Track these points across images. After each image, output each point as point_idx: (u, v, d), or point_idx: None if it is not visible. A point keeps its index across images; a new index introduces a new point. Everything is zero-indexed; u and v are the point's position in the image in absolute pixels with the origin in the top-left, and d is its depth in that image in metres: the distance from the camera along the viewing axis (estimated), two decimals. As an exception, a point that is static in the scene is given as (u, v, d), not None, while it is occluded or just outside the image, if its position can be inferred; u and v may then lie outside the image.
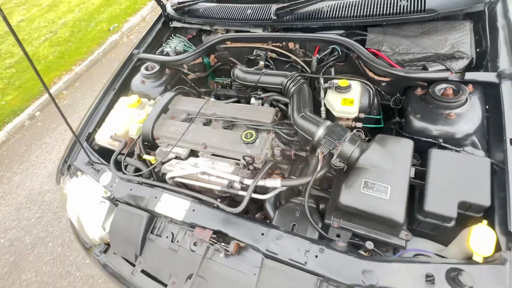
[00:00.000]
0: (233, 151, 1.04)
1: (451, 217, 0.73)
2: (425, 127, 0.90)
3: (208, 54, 1.42)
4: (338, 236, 0.83)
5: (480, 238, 0.67)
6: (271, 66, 1.32)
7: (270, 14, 1.27)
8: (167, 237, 0.98)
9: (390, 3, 1.08)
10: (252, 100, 1.23)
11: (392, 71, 0.97)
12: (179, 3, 1.51)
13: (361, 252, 0.82)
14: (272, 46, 1.27)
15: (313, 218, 0.88)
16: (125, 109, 1.32)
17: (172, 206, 0.99)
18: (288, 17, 1.22)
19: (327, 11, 1.17)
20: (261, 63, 1.24)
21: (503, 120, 0.80)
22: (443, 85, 0.91)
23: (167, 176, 1.09)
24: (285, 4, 1.19)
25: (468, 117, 0.86)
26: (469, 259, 0.69)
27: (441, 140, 0.86)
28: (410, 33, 1.08)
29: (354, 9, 1.13)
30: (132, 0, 4.91)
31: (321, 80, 1.12)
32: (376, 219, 0.77)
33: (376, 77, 1.03)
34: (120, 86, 1.43)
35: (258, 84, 1.17)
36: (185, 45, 1.50)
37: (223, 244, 0.85)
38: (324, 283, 0.75)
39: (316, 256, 0.77)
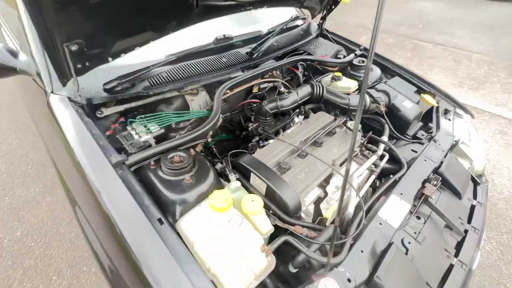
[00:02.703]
0: (349, 145, 1.16)
1: None
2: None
3: None
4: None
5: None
6: (264, 95, 1.44)
7: (243, 56, 1.38)
8: (409, 242, 0.92)
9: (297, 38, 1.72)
10: (296, 119, 1.31)
11: (342, 61, 1.61)
12: (121, 77, 1.04)
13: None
14: (263, 79, 1.40)
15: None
16: (218, 222, 0.80)
17: (395, 208, 0.95)
18: (258, 55, 1.42)
19: (276, 44, 1.55)
20: (283, 89, 1.32)
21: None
22: (357, 59, 1.70)
23: (351, 210, 0.94)
24: (259, 42, 1.40)
25: (374, 69, 1.72)
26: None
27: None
28: (311, 47, 1.77)
29: (286, 39, 1.62)
30: None
31: (327, 79, 1.50)
32: None
33: (332, 69, 1.62)
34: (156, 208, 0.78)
35: (298, 103, 1.29)
36: (174, 117, 1.10)
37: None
38: None
39: None
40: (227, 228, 0.79)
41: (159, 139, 1.05)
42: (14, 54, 1.11)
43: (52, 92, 1.03)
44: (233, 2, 1.15)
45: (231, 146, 1.47)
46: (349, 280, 0.75)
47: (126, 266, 0.71)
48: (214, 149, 1.35)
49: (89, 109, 1.03)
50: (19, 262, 1.66)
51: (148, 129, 1.04)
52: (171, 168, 0.87)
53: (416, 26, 6.44)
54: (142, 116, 1.08)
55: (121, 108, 1.09)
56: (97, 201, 0.78)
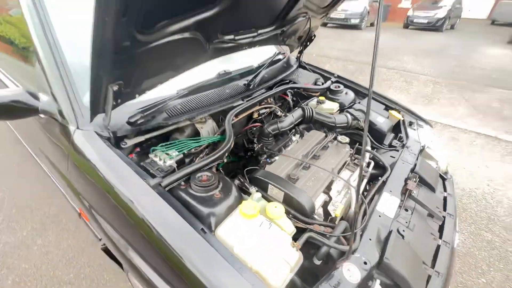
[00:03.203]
0: (342, 156, 1.37)
1: None
2: (343, 101, 1.93)
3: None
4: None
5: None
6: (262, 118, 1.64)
7: (242, 87, 1.58)
8: (403, 230, 1.11)
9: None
10: (293, 138, 1.51)
11: (322, 87, 1.89)
12: (144, 111, 1.17)
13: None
14: (260, 105, 1.60)
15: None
16: (250, 227, 0.92)
17: (388, 203, 1.14)
18: (254, 85, 1.64)
19: (266, 76, 1.79)
20: (279, 113, 1.53)
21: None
22: (334, 85, 2.00)
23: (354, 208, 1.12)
24: (253, 75, 1.62)
25: (348, 93, 2.03)
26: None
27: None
28: (294, 76, 2.05)
29: (274, 71, 1.88)
30: None
31: (314, 103, 1.75)
32: None
33: (315, 94, 1.89)
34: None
35: (294, 124, 1.50)
36: (185, 146, 1.22)
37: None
38: None
39: None
40: (259, 231, 0.91)
41: (179, 163, 1.16)
42: (34, 96, 1.19)
43: (77, 128, 1.12)
44: (234, 44, 1.37)
45: (235, 167, 1.61)
46: (365, 263, 0.90)
47: (174, 272, 0.79)
48: (221, 170, 1.48)
49: (114, 141, 1.13)
50: (14, 313, 1.54)
51: (170, 155, 1.15)
52: (201, 186, 0.99)
53: (370, 54, 7.34)
54: (163, 144, 1.20)
55: (142, 138, 1.20)
56: (142, 221, 0.86)
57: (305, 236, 0.94)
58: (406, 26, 13.47)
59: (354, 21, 11.94)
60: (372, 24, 14.06)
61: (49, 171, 1.64)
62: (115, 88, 0.93)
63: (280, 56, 2.18)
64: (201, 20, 1.05)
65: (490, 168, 2.93)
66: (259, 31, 1.49)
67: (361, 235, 0.99)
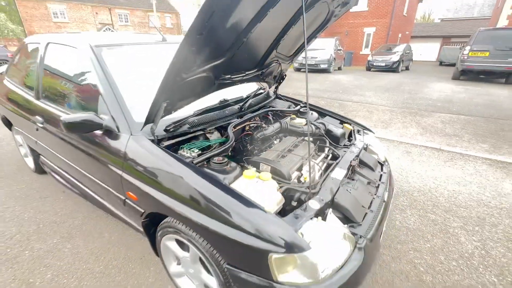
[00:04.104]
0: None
1: None
2: (309, 118, 2.65)
3: None
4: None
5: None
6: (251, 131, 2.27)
7: (236, 110, 2.25)
8: (350, 190, 1.70)
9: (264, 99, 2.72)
10: (275, 142, 2.14)
11: (293, 110, 2.61)
12: (175, 122, 1.78)
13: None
14: (250, 122, 2.26)
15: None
16: (250, 183, 1.48)
17: (338, 173, 1.74)
18: (245, 109, 2.32)
19: (252, 103, 2.49)
20: (264, 125, 2.18)
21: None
22: (302, 108, 2.72)
23: (317, 176, 1.71)
24: (243, 102, 2.30)
25: (313, 113, 2.76)
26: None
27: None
28: (273, 104, 2.78)
29: (258, 100, 2.59)
30: None
31: (287, 120, 2.42)
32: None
33: (289, 114, 2.59)
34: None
35: (275, 132, 2.15)
36: (203, 143, 1.81)
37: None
38: None
39: None
40: (256, 185, 1.47)
41: (199, 156, 1.74)
42: (99, 117, 1.78)
43: (131, 135, 1.70)
44: (231, 81, 2.08)
45: None
46: (322, 200, 1.47)
47: (209, 209, 1.32)
48: None
49: (157, 142, 1.70)
50: (58, 296, 1.86)
51: (193, 150, 1.73)
52: (217, 163, 1.56)
53: (338, 91, 8.58)
54: (187, 143, 1.79)
55: (173, 141, 1.79)
56: (187, 186, 1.40)
57: (285, 186, 1.51)
58: (368, 69, 15.58)
59: (323, 66, 13.77)
60: (339, 68, 16.07)
61: (96, 176, 2.10)
62: (165, 105, 1.55)
63: (262, 90, 2.94)
64: (212, 66, 1.74)
65: (435, 170, 3.65)
66: (246, 73, 2.22)
67: (320, 188, 1.57)
